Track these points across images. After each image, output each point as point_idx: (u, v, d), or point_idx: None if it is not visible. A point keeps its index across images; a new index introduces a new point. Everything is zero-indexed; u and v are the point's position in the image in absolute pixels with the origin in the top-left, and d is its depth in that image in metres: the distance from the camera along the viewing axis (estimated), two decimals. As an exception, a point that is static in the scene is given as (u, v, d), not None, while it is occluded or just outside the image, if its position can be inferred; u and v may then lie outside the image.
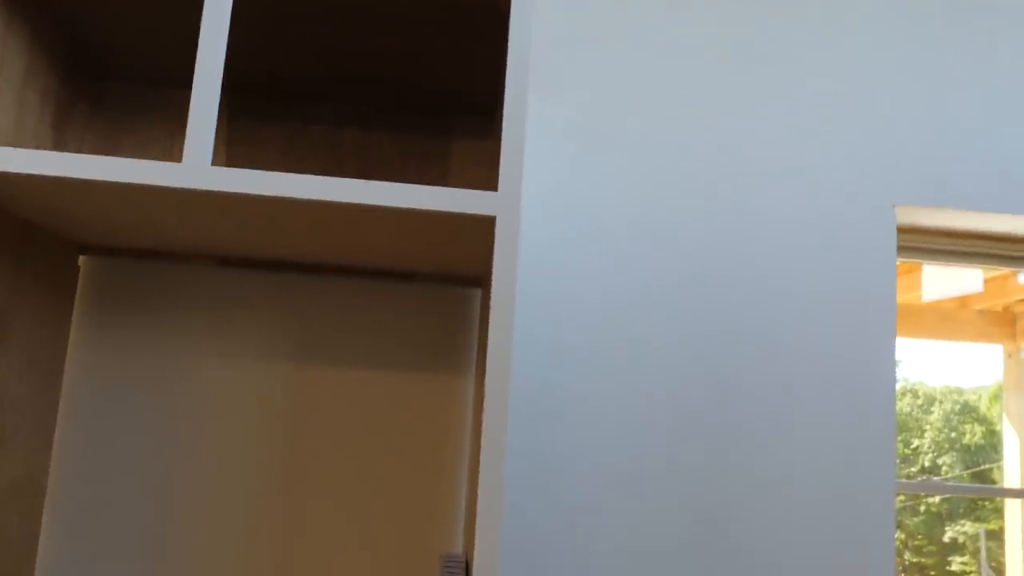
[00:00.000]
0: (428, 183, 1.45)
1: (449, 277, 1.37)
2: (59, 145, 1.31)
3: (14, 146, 1.18)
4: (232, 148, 1.45)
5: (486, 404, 0.84)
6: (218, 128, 1.46)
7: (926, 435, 13.18)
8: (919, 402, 13.55)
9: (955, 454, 12.94)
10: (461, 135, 1.47)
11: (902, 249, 1.67)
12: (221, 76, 0.90)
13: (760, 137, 1.56)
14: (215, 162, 1.44)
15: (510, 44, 0.92)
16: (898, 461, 1.52)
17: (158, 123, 1.46)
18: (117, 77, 1.42)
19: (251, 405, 1.40)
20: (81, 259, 1.42)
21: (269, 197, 0.88)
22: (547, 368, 1.47)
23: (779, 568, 1.44)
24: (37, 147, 1.24)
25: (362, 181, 0.87)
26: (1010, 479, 2.96)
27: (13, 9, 1.15)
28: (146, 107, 1.46)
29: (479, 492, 0.83)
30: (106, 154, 1.43)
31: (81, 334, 1.41)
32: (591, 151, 1.54)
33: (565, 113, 1.55)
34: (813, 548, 1.45)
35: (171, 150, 1.45)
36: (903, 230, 1.66)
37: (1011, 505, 3.24)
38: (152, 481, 1.37)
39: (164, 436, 1.39)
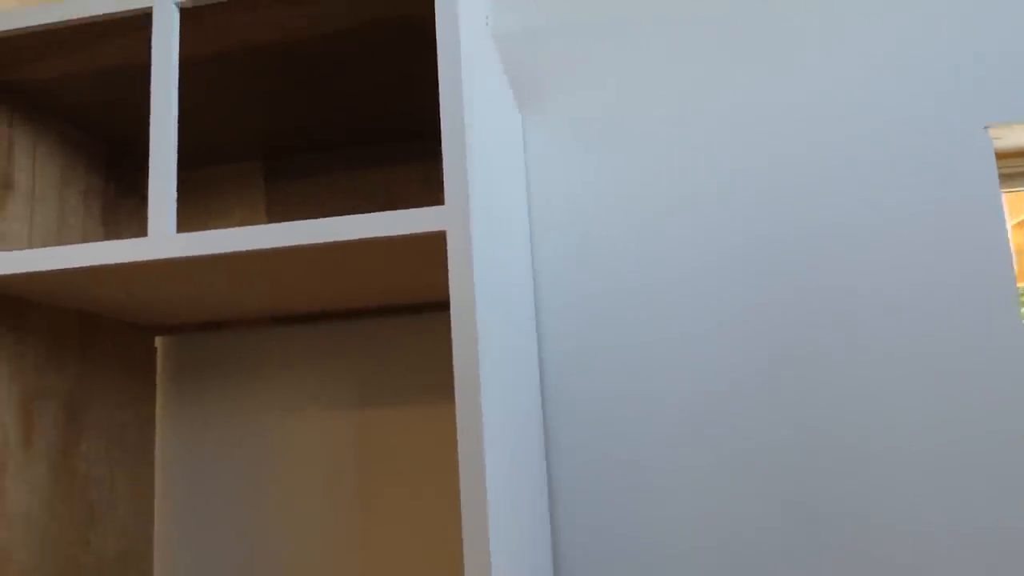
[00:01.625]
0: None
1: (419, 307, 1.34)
2: (112, 238, 1.41)
3: (60, 243, 1.27)
4: (271, 210, 1.50)
5: (459, 430, 0.79)
6: (257, 192, 1.51)
7: None
8: None
9: None
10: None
11: (1006, 177, 1.44)
12: (176, 147, 0.92)
13: (820, 80, 1.41)
14: (257, 226, 1.49)
15: (439, 48, 0.88)
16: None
17: (203, 202, 1.53)
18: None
19: (325, 450, 1.42)
20: (157, 340, 1.51)
21: (227, 254, 0.89)
22: (608, 370, 1.38)
23: (887, 557, 1.26)
24: (85, 242, 1.33)
25: (305, 222, 0.86)
26: None
27: (40, 122, 1.25)
28: (195, 187, 1.54)
29: (462, 523, 0.78)
30: (163, 238, 1.52)
31: (166, 410, 1.49)
32: (627, 133, 1.45)
33: (589, 107, 1.48)
34: (931, 537, 1.25)
35: (217, 224, 1.52)
36: (1004, 155, 1.43)
37: None
38: (245, 534, 1.42)
39: (251, 492, 1.43)
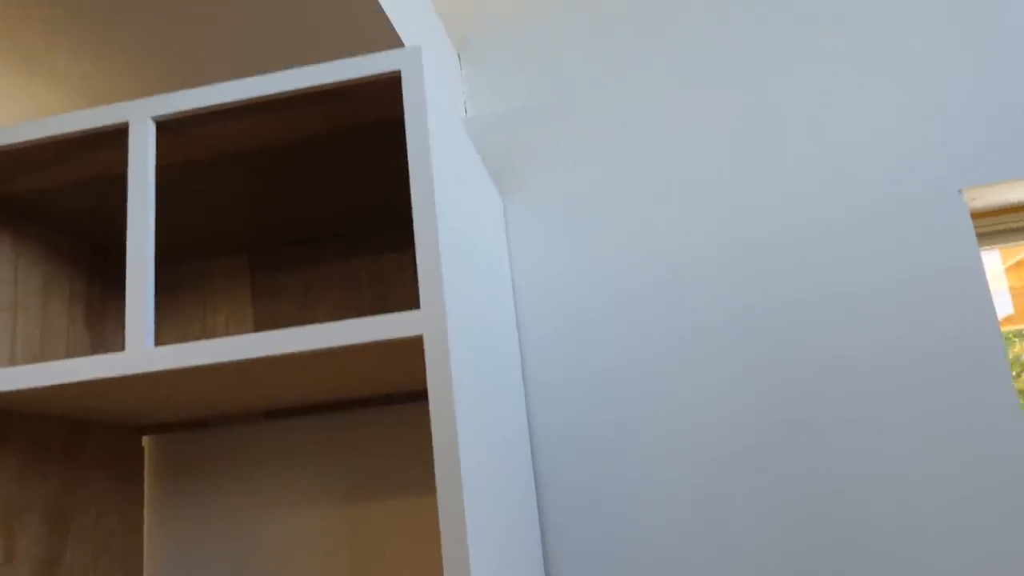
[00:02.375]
0: (439, 294, 1.42)
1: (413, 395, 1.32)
2: (97, 343, 1.41)
3: (44, 354, 1.27)
4: (257, 302, 1.50)
5: (441, 523, 0.77)
6: (244, 285, 1.51)
7: None
8: None
9: None
10: (468, 237, 1.44)
11: (984, 236, 1.45)
12: (152, 261, 0.92)
13: (796, 152, 1.43)
14: (242, 322, 1.49)
15: (410, 155, 0.89)
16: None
17: (190, 296, 1.53)
18: (146, 263, 1.52)
19: (318, 545, 1.39)
20: (144, 440, 1.50)
21: (207, 366, 0.88)
22: (601, 447, 1.37)
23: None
24: (67, 351, 1.33)
25: (283, 331, 0.85)
26: None
27: (23, 231, 1.26)
28: (179, 284, 1.54)
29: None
30: (149, 336, 1.51)
31: (153, 512, 1.46)
32: (609, 212, 1.47)
33: (569, 188, 1.49)
34: (957, 610, 1.22)
35: (204, 318, 1.52)
36: (980, 215, 1.45)
37: None
38: (237, 646, 1.38)
39: (240, 598, 1.40)
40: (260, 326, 1.49)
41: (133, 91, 1.25)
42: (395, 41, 1.19)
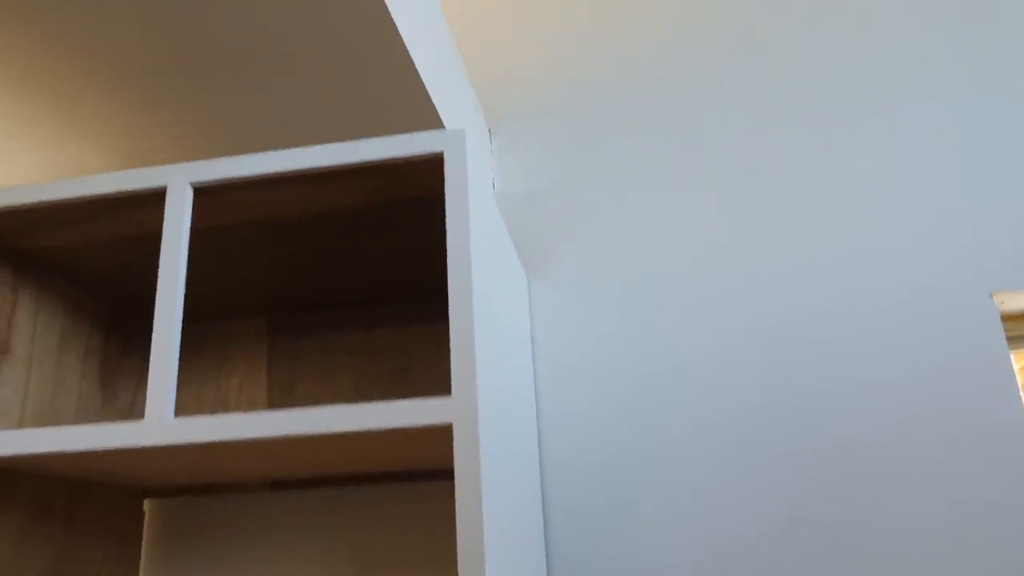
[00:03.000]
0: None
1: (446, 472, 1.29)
2: (108, 401, 1.38)
3: (53, 410, 1.24)
4: (273, 365, 1.48)
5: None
6: (260, 348, 1.49)
7: None
8: None
9: None
10: (491, 313, 1.42)
11: (1013, 339, 1.43)
12: (179, 336, 0.91)
13: (827, 247, 1.42)
14: (256, 384, 1.47)
15: (448, 227, 0.88)
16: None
17: (208, 356, 1.51)
18: (164, 321, 1.50)
19: (315, 632, 1.34)
20: (146, 503, 1.46)
21: (229, 442, 0.86)
22: (615, 531, 1.32)
23: None
24: (78, 408, 1.30)
25: (307, 410, 0.83)
26: None
27: (45, 285, 1.25)
28: (195, 343, 1.52)
29: None
30: (160, 395, 1.49)
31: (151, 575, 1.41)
32: (633, 294, 1.45)
33: (595, 270, 1.48)
34: None
35: (218, 380, 1.49)
36: (1010, 318, 1.43)
37: None
38: None
39: (233, 677, 1.34)
40: (273, 390, 1.46)
41: (171, 152, 1.25)
42: (430, 112, 1.19)
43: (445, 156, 0.91)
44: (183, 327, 1.53)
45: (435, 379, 1.41)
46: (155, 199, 1.03)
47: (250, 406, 1.46)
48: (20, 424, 1.17)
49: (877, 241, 1.41)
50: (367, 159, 0.91)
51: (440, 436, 0.88)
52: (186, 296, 1.39)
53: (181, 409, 1.49)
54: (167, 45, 1.03)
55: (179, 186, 0.98)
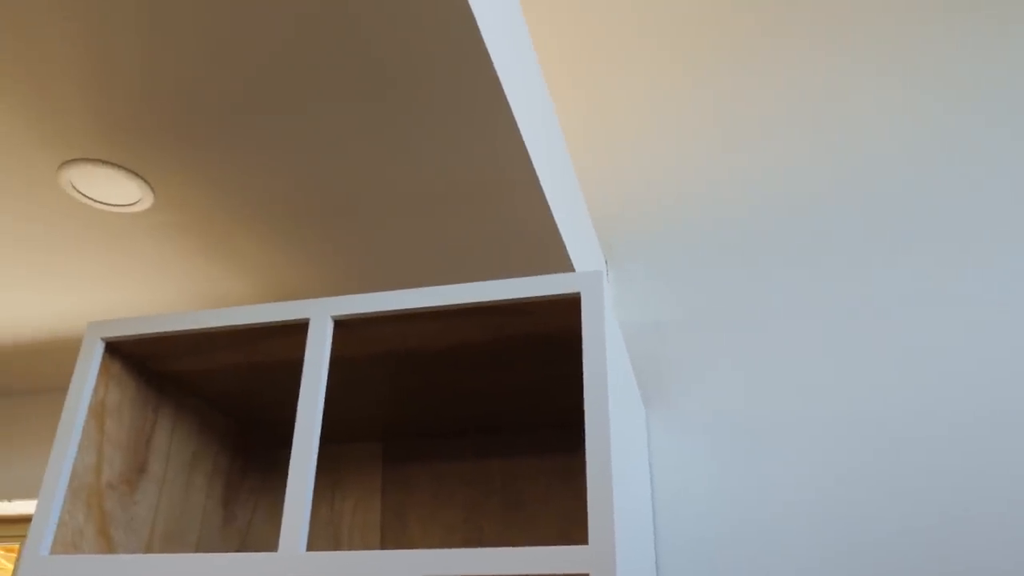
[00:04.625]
0: (579, 504, 1.37)
1: None
2: (228, 521, 1.40)
3: (179, 529, 1.27)
4: (387, 491, 1.48)
5: None
6: (374, 472, 1.50)
7: None
8: None
9: None
10: (608, 446, 1.40)
11: None
12: (314, 471, 0.92)
13: (949, 387, 1.35)
14: (370, 509, 1.46)
15: (585, 369, 0.88)
16: None
17: (321, 479, 1.53)
18: (284, 443, 1.53)
19: None
20: (255, 626, 1.45)
21: (358, 579, 0.85)
22: None
23: None
24: (201, 527, 1.32)
25: (446, 552, 0.82)
26: None
27: (182, 406, 1.30)
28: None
29: None
30: (277, 518, 1.50)
31: None
32: (753, 429, 1.40)
33: (713, 404, 1.45)
34: None
35: (332, 501, 1.50)
36: None
37: None
38: None
39: None
40: (387, 517, 1.45)
41: (307, 285, 1.31)
42: (559, 249, 1.22)
43: (582, 297, 0.92)
44: (302, 448, 1.56)
45: (548, 514, 1.37)
46: (291, 330, 1.07)
47: (363, 529, 1.45)
48: (149, 541, 1.20)
49: (1006, 387, 1.33)
50: (505, 298, 0.93)
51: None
52: (308, 418, 1.42)
53: (294, 531, 1.50)
54: (312, 190, 1.10)
55: (321, 319, 1.02)
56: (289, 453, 1.55)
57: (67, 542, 1.04)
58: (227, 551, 1.43)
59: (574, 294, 0.93)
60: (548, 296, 0.93)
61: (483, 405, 1.32)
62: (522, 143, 0.95)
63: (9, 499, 2.04)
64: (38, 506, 1.03)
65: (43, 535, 1.01)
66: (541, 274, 1.25)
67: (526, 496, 1.40)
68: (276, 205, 1.14)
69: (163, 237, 1.21)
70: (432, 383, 1.23)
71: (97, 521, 1.10)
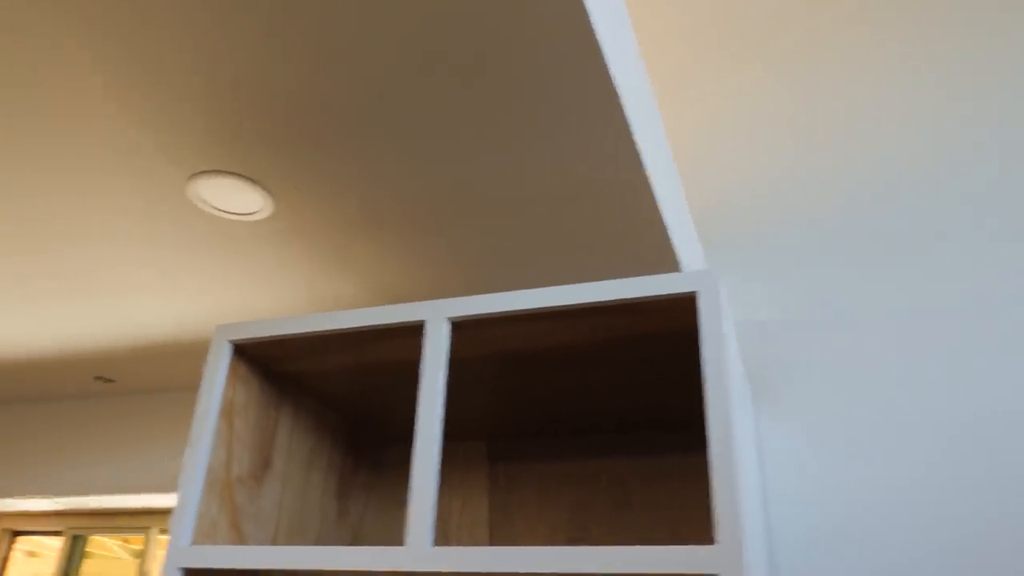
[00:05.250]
0: (687, 505, 1.36)
1: None
2: (341, 516, 1.45)
3: (300, 523, 1.32)
4: (493, 490, 1.50)
5: None
6: (480, 471, 1.53)
7: None
8: None
9: None
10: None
11: None
12: (438, 471, 0.95)
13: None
14: (477, 506, 1.49)
15: (705, 366, 0.87)
16: None
17: (429, 475, 1.57)
18: (392, 441, 1.58)
19: None
20: (369, 617, 1.50)
21: (485, 573, 0.87)
22: None
23: None
24: (320, 523, 1.38)
25: (566, 549, 0.83)
26: None
27: (301, 406, 1.36)
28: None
29: None
30: (387, 513, 1.55)
31: None
32: (862, 430, 1.37)
33: (821, 404, 1.42)
34: None
35: (440, 499, 1.54)
36: None
37: None
38: None
39: None
40: (494, 515, 1.48)
41: (419, 287, 1.35)
42: (666, 248, 1.22)
43: (699, 296, 0.92)
44: (406, 447, 1.60)
45: (656, 515, 1.37)
46: (403, 332, 1.10)
47: (471, 527, 1.48)
48: (275, 535, 1.26)
49: None
50: (624, 298, 0.94)
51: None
52: (413, 416, 1.45)
53: (404, 523, 1.54)
54: (425, 194, 1.13)
55: (437, 321, 1.05)
56: (396, 451, 1.59)
57: (204, 533, 1.10)
58: (342, 544, 1.48)
59: (690, 293, 0.93)
60: (664, 295, 0.94)
61: (589, 404, 1.33)
62: (634, 144, 0.96)
63: (136, 492, 2.16)
64: (178, 500, 1.09)
65: (184, 527, 1.07)
66: (646, 274, 1.26)
67: (633, 496, 1.40)
68: (389, 210, 1.17)
69: (281, 243, 1.26)
70: (539, 382, 1.25)
71: (229, 514, 1.16)
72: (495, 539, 1.46)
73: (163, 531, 2.30)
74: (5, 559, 2.61)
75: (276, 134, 1.02)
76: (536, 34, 0.86)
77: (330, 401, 1.40)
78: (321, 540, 1.40)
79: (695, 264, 1.45)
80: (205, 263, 1.31)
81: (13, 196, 1.18)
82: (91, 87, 0.95)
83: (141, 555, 2.49)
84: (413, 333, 1.12)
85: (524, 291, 1.00)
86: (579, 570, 0.82)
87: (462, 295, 1.52)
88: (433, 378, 1.01)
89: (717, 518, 0.81)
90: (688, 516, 1.35)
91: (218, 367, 1.16)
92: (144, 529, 2.31)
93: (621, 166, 1.01)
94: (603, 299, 0.95)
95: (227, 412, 1.17)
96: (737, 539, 0.79)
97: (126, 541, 2.56)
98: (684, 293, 0.93)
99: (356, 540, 1.50)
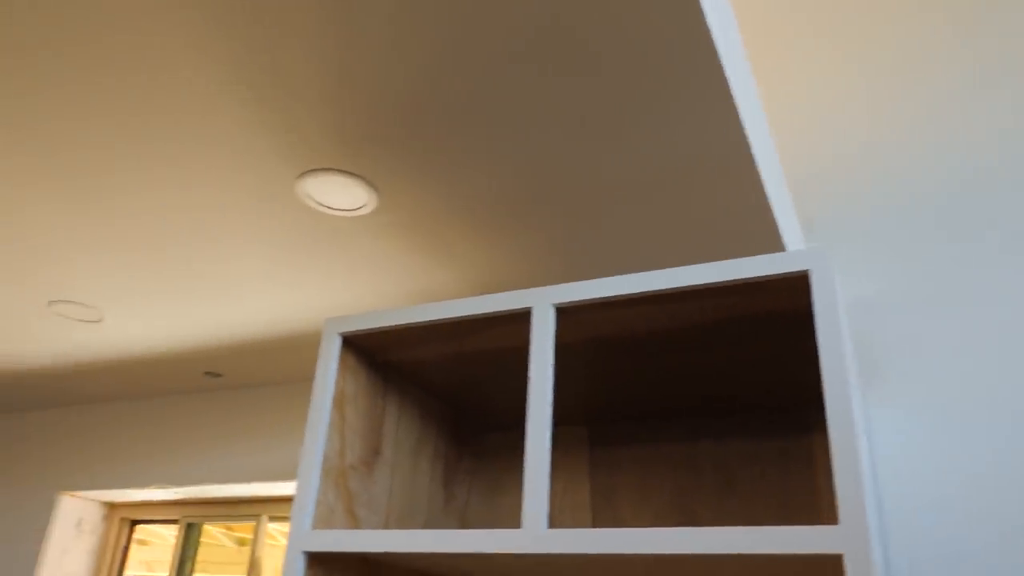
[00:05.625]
0: (793, 488, 1.34)
1: None
2: (448, 501, 1.49)
3: (410, 509, 1.36)
4: (595, 473, 1.51)
5: None
6: (581, 455, 1.54)
7: None
8: None
9: None
10: (821, 427, 1.36)
11: None
12: (549, 452, 0.97)
13: None
14: (578, 490, 1.50)
15: (821, 344, 0.86)
16: None
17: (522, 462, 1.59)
18: (492, 428, 1.60)
19: None
20: (477, 601, 1.53)
21: (605, 555, 0.88)
22: None
23: None
24: (428, 508, 1.41)
25: (685, 530, 0.84)
26: None
27: (406, 395, 1.39)
28: (521, 447, 1.61)
29: None
30: (490, 499, 1.58)
31: (482, 678, 1.47)
32: (971, 414, 1.32)
33: (929, 387, 1.37)
34: None
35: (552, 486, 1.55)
36: None
37: None
38: None
39: None
40: (596, 499, 1.49)
41: (518, 276, 1.36)
42: (770, 225, 1.19)
43: (812, 275, 0.90)
44: (511, 433, 1.62)
45: (762, 498, 1.36)
46: (505, 320, 1.12)
47: (574, 511, 1.50)
48: (387, 520, 1.30)
49: None
50: (733, 279, 0.93)
51: (824, 567, 0.84)
52: (514, 404, 1.47)
53: (508, 510, 1.57)
54: (528, 183, 1.14)
55: (543, 307, 1.06)
56: (497, 438, 1.62)
57: (322, 519, 1.15)
58: (450, 529, 1.51)
59: (802, 272, 0.92)
60: (776, 275, 0.92)
61: (691, 388, 1.33)
62: (739, 122, 0.95)
63: (246, 481, 2.26)
64: (297, 487, 1.14)
65: (305, 512, 1.11)
66: (749, 255, 1.24)
67: (739, 479, 1.39)
68: (490, 201, 1.19)
69: (384, 237, 1.30)
70: (639, 366, 1.25)
71: (345, 500, 1.20)
72: (598, 523, 1.47)
73: (272, 518, 2.40)
74: (126, 547, 2.76)
75: (383, 131, 1.05)
76: (642, 15, 0.86)
77: (433, 390, 1.43)
78: (429, 525, 1.43)
79: (796, 244, 1.42)
80: (310, 258, 1.36)
81: (128, 192, 1.24)
82: (211, 92, 1.00)
83: (244, 543, 2.60)
84: (516, 321, 1.13)
85: (630, 275, 1.01)
86: (710, 551, 0.82)
87: (558, 283, 1.53)
88: (542, 364, 1.02)
89: (839, 498, 0.80)
90: (793, 500, 1.33)
91: (330, 358, 1.21)
92: (254, 516, 2.41)
93: (726, 146, 1.00)
94: (715, 280, 0.94)
95: (339, 402, 1.21)
96: (860, 519, 0.78)
97: (229, 529, 2.67)
98: (796, 272, 0.92)
99: (462, 525, 1.54)
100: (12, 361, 2.11)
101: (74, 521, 2.70)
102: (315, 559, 1.10)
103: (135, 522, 2.77)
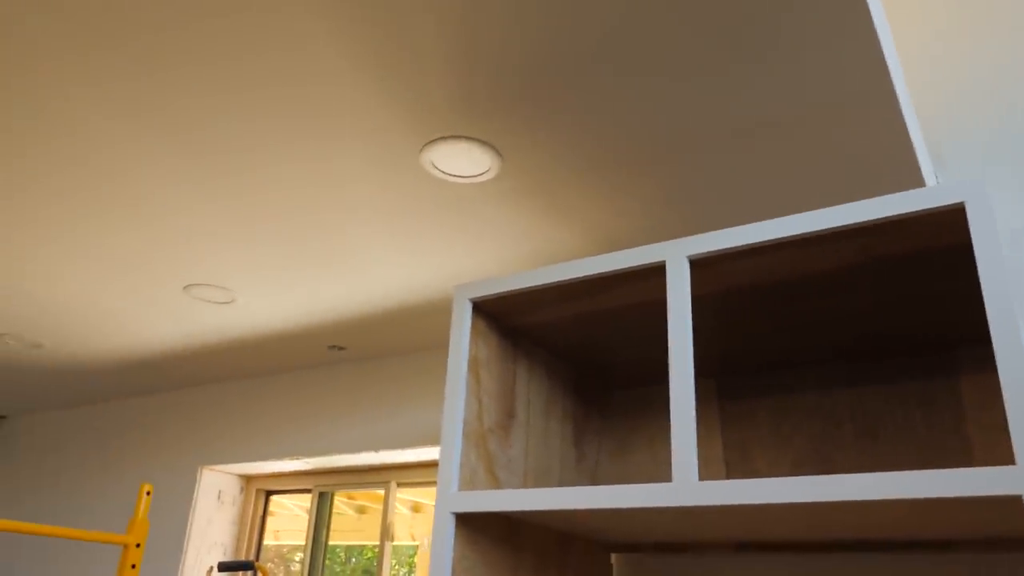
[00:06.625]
0: (939, 432, 1.29)
1: (993, 542, 1.16)
2: (580, 459, 1.50)
3: (545, 468, 1.38)
4: (726, 427, 1.50)
5: None
6: (710, 409, 1.52)
7: None
8: None
9: None
10: (969, 368, 1.30)
11: None
12: (694, 402, 0.96)
13: None
14: (710, 444, 1.49)
15: (983, 278, 0.82)
16: None
17: (659, 416, 1.58)
18: (617, 387, 1.61)
19: None
20: (613, 557, 1.55)
21: (759, 505, 0.87)
22: None
23: None
24: (561, 468, 1.43)
25: (850, 476, 0.82)
26: None
27: (535, 357, 1.41)
28: (646, 404, 1.61)
29: None
30: (620, 456, 1.58)
31: (624, 631, 1.49)
32: None
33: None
34: None
35: (668, 438, 1.55)
36: None
37: None
38: None
39: None
40: (729, 452, 1.48)
41: (642, 231, 1.35)
42: (911, 161, 1.14)
43: (968, 207, 0.86)
44: (636, 390, 1.62)
45: (904, 444, 1.31)
46: (634, 276, 1.11)
47: (706, 463, 1.49)
48: (524, 480, 1.32)
49: None
50: (883, 216, 0.90)
51: (1001, 507, 0.81)
52: (641, 360, 1.47)
53: (637, 467, 1.57)
54: (649, 135, 1.12)
55: (678, 260, 1.05)
56: (623, 396, 1.62)
57: (466, 481, 1.18)
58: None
59: (957, 204, 0.87)
60: (929, 210, 0.88)
61: (826, 335, 1.29)
62: (880, 52, 0.90)
63: (375, 450, 2.34)
64: (442, 451, 1.17)
65: (451, 475, 1.14)
66: (889, 192, 1.19)
67: (879, 425, 1.34)
68: (612, 157, 1.18)
69: (505, 202, 1.30)
70: (772, 314, 1.22)
71: (485, 462, 1.23)
72: (732, 475, 1.46)
73: (400, 484, 2.48)
74: (263, 517, 2.92)
75: (507, 95, 1.05)
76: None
77: (559, 351, 1.44)
78: (563, 484, 1.45)
79: (931, 180, 1.35)
80: (433, 227, 1.38)
81: (256, 169, 1.28)
82: (341, 68, 1.02)
83: (364, 511, 2.71)
84: (648, 276, 1.12)
85: (771, 220, 0.98)
86: (882, 496, 0.80)
87: (677, 237, 1.50)
88: (680, 317, 1.02)
89: (1015, 438, 0.76)
90: (937, 443, 1.29)
91: (462, 324, 1.23)
92: (383, 484, 2.50)
93: (866, 81, 0.95)
94: (864, 219, 0.91)
95: (473, 367, 1.24)
96: (1044, 458, 0.75)
97: (350, 497, 2.79)
98: (951, 205, 0.88)
99: (593, 483, 1.55)
100: (152, 345, 2.24)
101: (215, 494, 2.87)
102: (462, 519, 1.14)
103: (270, 492, 2.92)
